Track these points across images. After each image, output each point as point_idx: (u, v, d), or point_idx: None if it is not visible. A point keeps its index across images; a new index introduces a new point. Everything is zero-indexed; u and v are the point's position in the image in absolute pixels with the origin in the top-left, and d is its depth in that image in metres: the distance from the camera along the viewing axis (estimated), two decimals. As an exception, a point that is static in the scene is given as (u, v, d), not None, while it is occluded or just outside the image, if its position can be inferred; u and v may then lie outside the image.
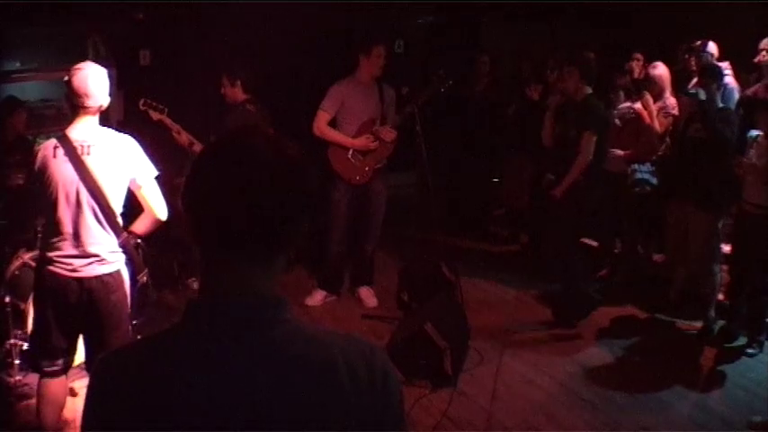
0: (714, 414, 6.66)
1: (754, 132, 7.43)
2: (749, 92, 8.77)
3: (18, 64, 10.08)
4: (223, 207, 1.81)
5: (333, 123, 8.46)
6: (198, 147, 8.02)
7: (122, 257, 5.14)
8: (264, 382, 1.78)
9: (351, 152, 8.43)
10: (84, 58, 9.41)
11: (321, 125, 8.39)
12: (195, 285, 9.01)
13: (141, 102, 8.04)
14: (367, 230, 8.83)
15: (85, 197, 4.89)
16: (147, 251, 5.49)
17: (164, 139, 8.37)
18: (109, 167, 4.94)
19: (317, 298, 8.96)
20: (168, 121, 8.01)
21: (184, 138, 8.07)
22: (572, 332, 8.08)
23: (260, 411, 1.77)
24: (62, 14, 9.47)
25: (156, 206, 5.18)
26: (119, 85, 9.90)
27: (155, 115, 8.03)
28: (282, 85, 9.91)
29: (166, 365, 1.80)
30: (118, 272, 5.11)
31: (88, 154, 4.89)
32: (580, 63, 8.12)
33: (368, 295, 8.93)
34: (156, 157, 9.03)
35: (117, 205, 5.04)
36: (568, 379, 7.16)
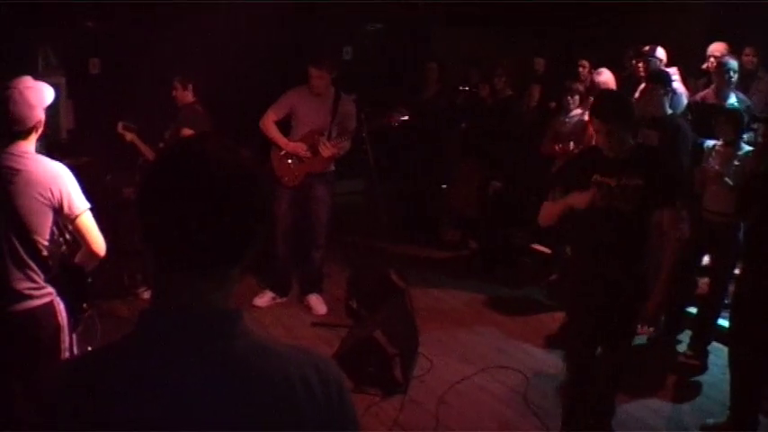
0: (668, 417, 6.71)
1: (711, 142, 7.48)
2: (698, 97, 8.85)
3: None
4: (176, 219, 1.78)
5: (288, 127, 8.60)
6: None
7: (52, 290, 4.87)
8: (224, 398, 1.77)
9: (283, 152, 8.54)
10: (34, 68, 9.44)
11: (266, 121, 8.55)
12: (146, 295, 8.99)
13: (120, 125, 8.24)
14: (312, 237, 8.86)
15: (4, 228, 4.67)
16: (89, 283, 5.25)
17: (114, 149, 8.36)
18: (32, 197, 4.65)
19: (265, 299, 9.05)
20: (138, 141, 8.17)
21: (150, 155, 8.21)
22: (522, 338, 8.10)
23: (219, 426, 1.76)
24: (12, 23, 9.41)
25: (91, 240, 4.89)
26: (69, 95, 9.87)
27: (129, 136, 8.26)
28: (230, 91, 9.92)
29: (122, 378, 1.78)
30: (47, 304, 4.85)
31: (11, 182, 4.61)
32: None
33: (317, 303, 8.92)
34: (105, 167, 9.08)
35: (42, 237, 4.75)
36: (519, 385, 7.16)
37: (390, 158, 10.76)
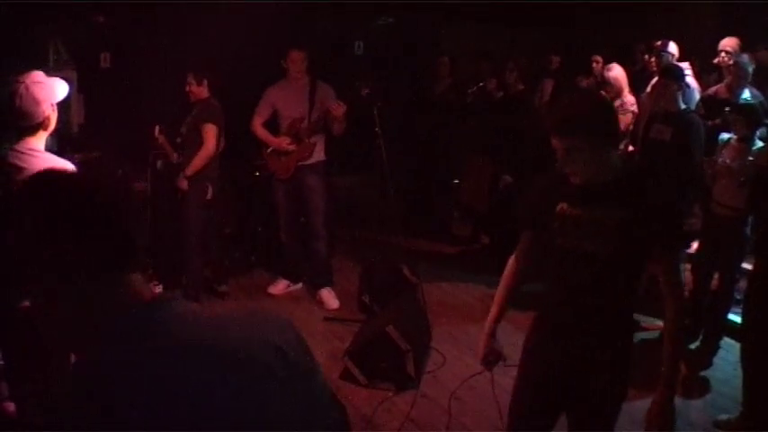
0: (679, 413, 6.67)
1: (726, 135, 7.45)
2: (710, 91, 8.84)
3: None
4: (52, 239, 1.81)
5: (275, 122, 8.87)
6: (193, 166, 8.34)
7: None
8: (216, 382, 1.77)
9: (271, 149, 8.85)
10: (45, 62, 9.43)
11: (253, 125, 8.90)
12: (157, 289, 8.95)
13: (157, 129, 8.51)
14: (310, 227, 8.99)
15: None
16: None
17: (124, 142, 8.35)
18: None
19: (280, 287, 9.30)
20: (168, 146, 8.42)
21: (175, 157, 8.38)
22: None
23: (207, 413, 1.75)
24: (23, 17, 9.39)
25: None
26: (80, 89, 9.86)
27: (161, 139, 8.52)
28: (241, 85, 9.90)
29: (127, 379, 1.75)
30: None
31: (17, 180, 4.45)
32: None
33: (329, 297, 8.97)
34: (116, 162, 9.08)
35: None
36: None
37: (401, 152, 10.74)
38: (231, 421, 1.76)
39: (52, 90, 4.78)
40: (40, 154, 4.70)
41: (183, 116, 8.58)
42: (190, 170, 8.28)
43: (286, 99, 8.76)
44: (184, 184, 8.34)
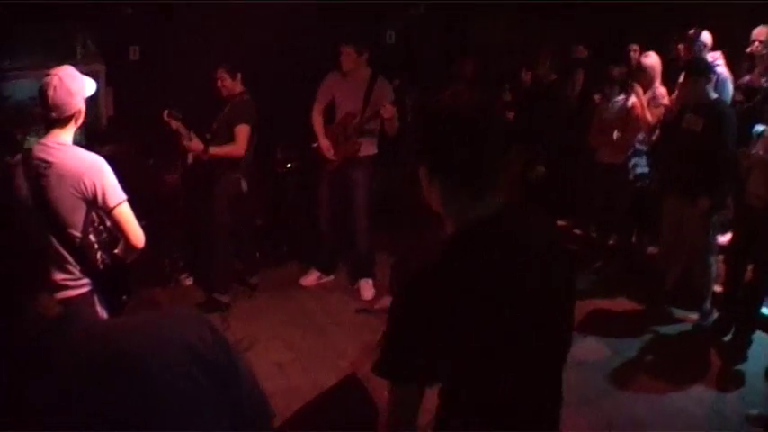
0: (710, 407, 6.62)
1: (761, 127, 7.37)
2: (744, 80, 8.78)
3: (7, 62, 10.01)
4: None
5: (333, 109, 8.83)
6: (216, 151, 8.24)
7: (88, 281, 4.83)
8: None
9: (316, 144, 8.82)
10: (73, 56, 9.45)
11: (313, 114, 8.82)
12: (188, 282, 9.02)
13: (165, 113, 8.09)
14: (353, 220, 8.94)
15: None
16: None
17: (154, 134, 8.34)
18: (65, 191, 4.61)
19: (311, 278, 9.29)
20: (183, 128, 8.09)
21: (197, 144, 8.14)
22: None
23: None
24: (51, 11, 9.41)
25: (128, 232, 4.80)
26: (108, 82, 9.87)
27: (174, 124, 8.12)
28: (270, 77, 9.88)
29: None
30: (85, 294, 4.82)
31: (44, 175, 4.59)
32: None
33: (365, 287, 8.97)
34: (146, 154, 9.07)
35: (76, 230, 4.71)
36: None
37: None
38: (139, 427, 1.72)
39: (84, 84, 4.78)
40: (68, 148, 4.70)
41: (214, 110, 8.51)
42: (211, 152, 8.22)
43: (342, 91, 8.71)
44: (197, 149, 8.26)
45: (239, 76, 8.43)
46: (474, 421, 2.69)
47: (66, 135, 4.73)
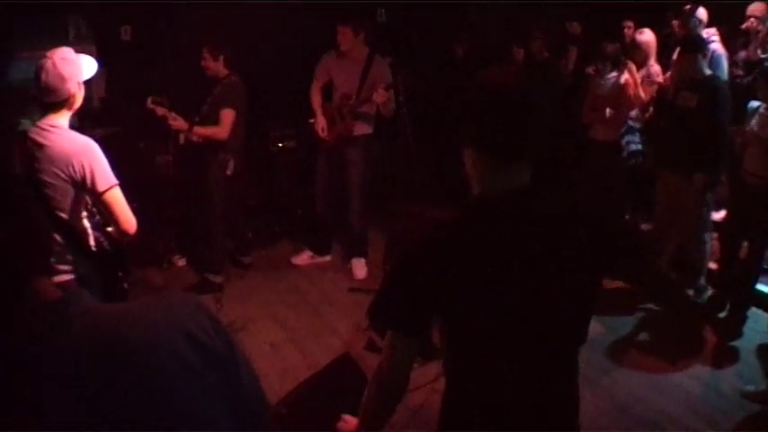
0: (706, 383, 6.63)
1: (755, 103, 7.34)
2: (742, 55, 8.80)
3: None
4: None
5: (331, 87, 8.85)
6: (199, 131, 8.22)
7: (70, 269, 4.75)
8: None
9: (313, 120, 8.80)
10: (65, 37, 9.39)
11: (311, 91, 8.83)
12: (181, 263, 9.03)
13: (149, 101, 8.11)
14: (348, 200, 8.94)
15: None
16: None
17: (146, 117, 8.31)
18: (54, 173, 4.59)
19: (303, 257, 9.34)
20: (168, 113, 8.11)
21: (181, 123, 8.14)
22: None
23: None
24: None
25: (118, 217, 4.75)
26: (100, 63, 9.83)
27: (159, 111, 8.13)
28: (264, 56, 9.85)
29: None
30: (70, 281, 4.73)
31: (36, 158, 4.58)
32: None
33: (358, 266, 9.00)
34: (138, 135, 9.03)
35: (64, 213, 4.67)
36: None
37: (427, 121, 10.69)
38: (140, 415, 1.72)
39: (79, 68, 4.74)
40: (61, 131, 4.68)
41: (204, 92, 8.47)
42: (195, 131, 8.21)
43: (339, 70, 8.70)
44: (182, 127, 8.24)
45: (222, 57, 8.36)
46: (479, 414, 2.73)
47: (61, 119, 4.71)
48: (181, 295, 2.00)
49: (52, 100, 4.64)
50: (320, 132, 8.67)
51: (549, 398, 2.73)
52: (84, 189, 4.64)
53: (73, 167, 4.57)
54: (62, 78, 4.61)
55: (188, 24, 9.77)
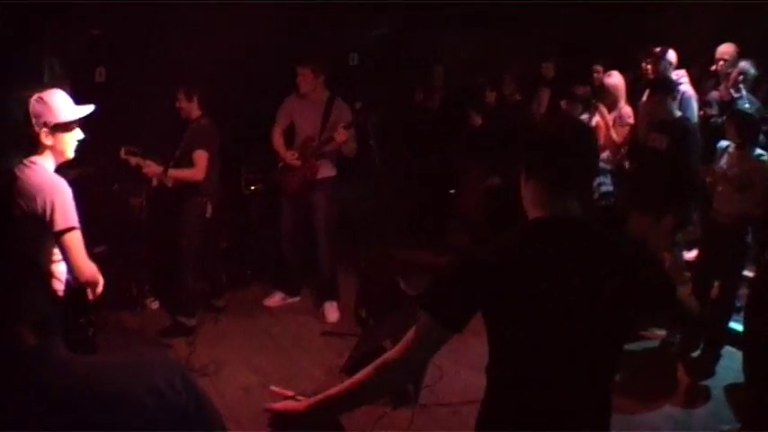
0: (680, 423, 6.65)
1: (725, 143, 7.45)
2: (713, 96, 8.87)
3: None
4: None
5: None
6: (175, 174, 8.18)
7: None
8: None
9: (281, 164, 8.85)
10: (40, 79, 9.39)
11: (273, 135, 8.90)
12: (154, 306, 8.99)
13: (123, 151, 8.11)
14: (315, 244, 8.96)
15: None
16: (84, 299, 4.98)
17: (120, 158, 8.30)
18: (22, 206, 4.61)
19: (276, 299, 9.34)
20: (142, 162, 8.10)
21: (155, 168, 8.11)
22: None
23: None
24: (18, 35, 9.34)
25: (73, 261, 4.70)
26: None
27: (133, 161, 8.11)
28: (236, 98, 9.88)
29: None
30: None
31: (10, 192, 4.63)
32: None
33: (330, 310, 8.98)
34: (112, 177, 9.02)
35: (30, 250, 4.69)
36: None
37: (398, 164, 10.73)
38: None
39: (49, 109, 4.77)
40: (36, 167, 4.73)
41: (178, 134, 8.48)
42: (172, 178, 8.16)
43: (301, 113, 8.77)
44: (156, 172, 8.16)
45: (196, 98, 8.40)
46: (513, 416, 3.12)
47: (42, 158, 4.77)
48: (154, 352, 2.04)
49: (26, 138, 4.71)
50: (293, 161, 8.69)
51: (579, 418, 3.01)
52: (45, 227, 4.62)
53: (35, 202, 4.59)
54: (28, 117, 4.69)
55: (163, 66, 9.79)
